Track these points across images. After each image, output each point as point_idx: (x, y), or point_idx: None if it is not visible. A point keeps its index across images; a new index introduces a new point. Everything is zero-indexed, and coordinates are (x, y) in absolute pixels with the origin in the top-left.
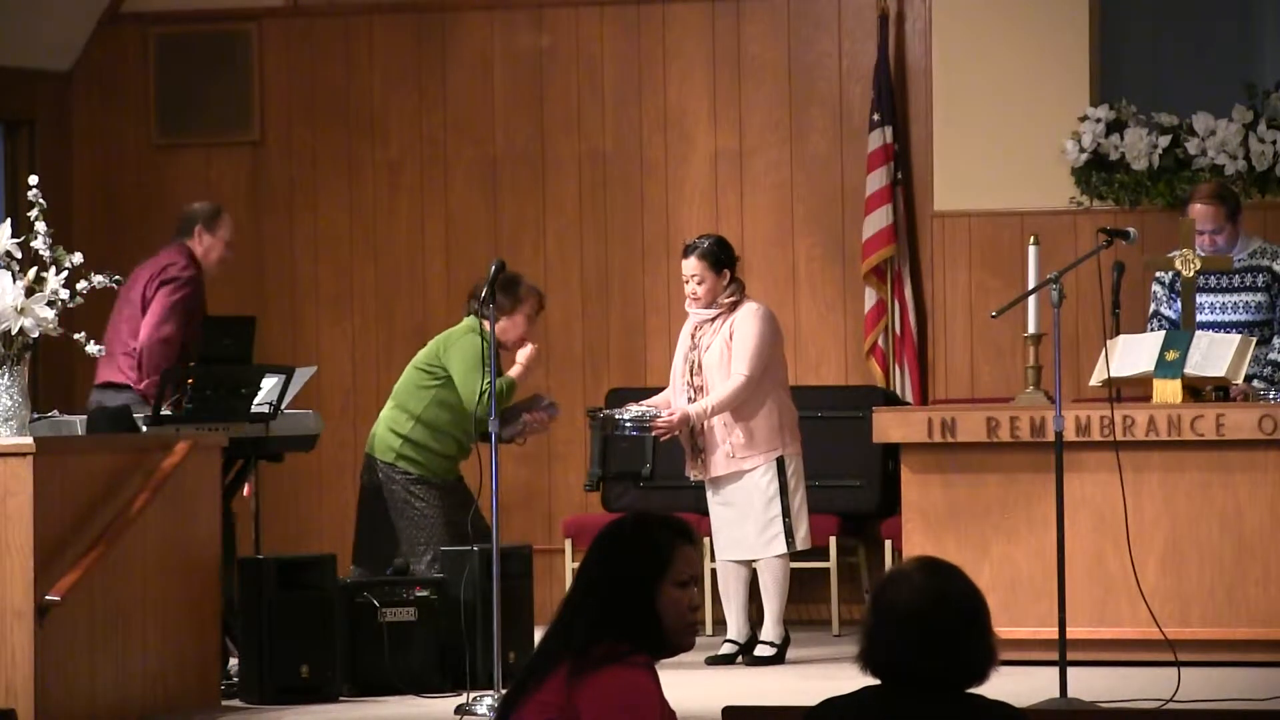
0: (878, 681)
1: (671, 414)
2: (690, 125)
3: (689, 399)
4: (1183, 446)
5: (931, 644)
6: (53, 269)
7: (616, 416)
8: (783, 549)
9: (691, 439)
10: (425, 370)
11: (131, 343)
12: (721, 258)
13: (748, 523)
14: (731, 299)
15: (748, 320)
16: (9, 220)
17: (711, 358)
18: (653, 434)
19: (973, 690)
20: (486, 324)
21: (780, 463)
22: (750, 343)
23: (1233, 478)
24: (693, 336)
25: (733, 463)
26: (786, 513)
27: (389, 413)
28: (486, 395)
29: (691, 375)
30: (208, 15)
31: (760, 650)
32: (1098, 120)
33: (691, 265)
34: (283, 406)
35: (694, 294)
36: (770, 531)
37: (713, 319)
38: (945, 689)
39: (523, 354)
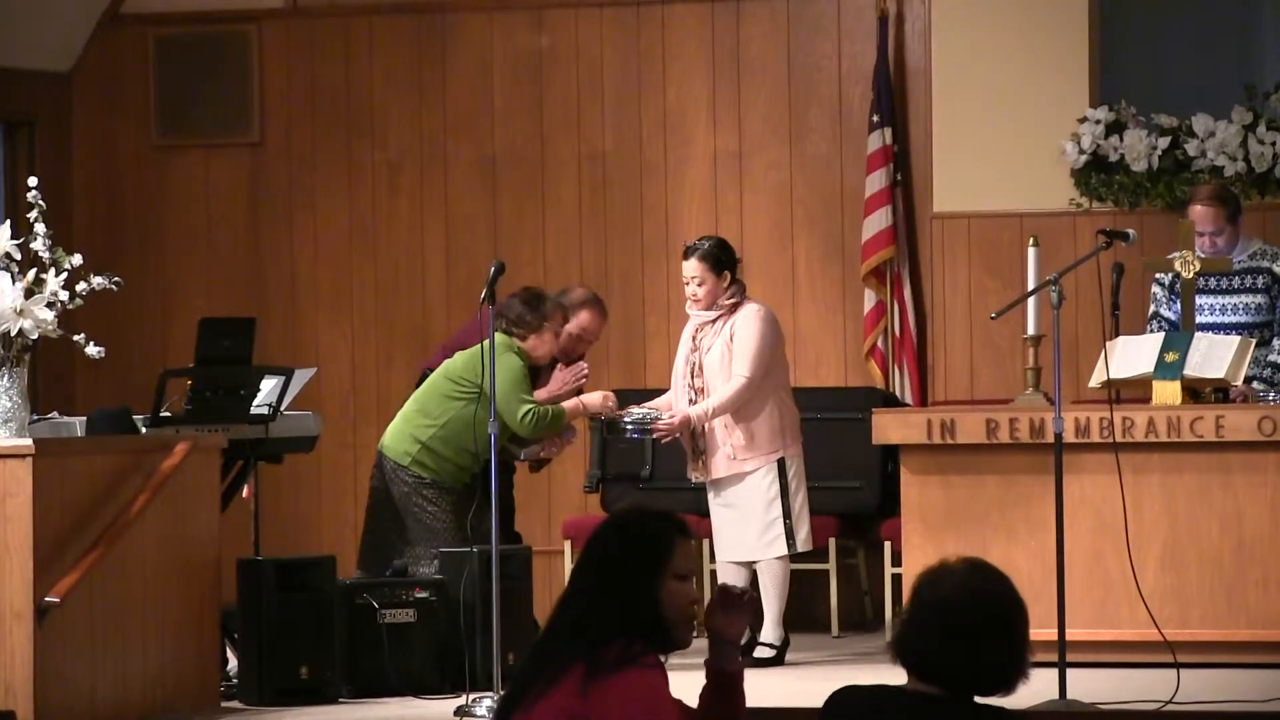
0: (903, 681)
1: (672, 417)
2: (690, 126)
3: (690, 401)
4: (1182, 448)
5: (956, 639)
6: (52, 270)
7: (618, 420)
8: (783, 550)
9: (693, 441)
10: (456, 382)
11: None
12: (722, 259)
13: (749, 524)
14: (732, 300)
15: (748, 322)
16: (9, 221)
17: (712, 359)
18: (654, 437)
19: (993, 700)
20: (519, 341)
21: (781, 464)
22: (751, 344)
23: (1232, 479)
24: (694, 338)
25: (734, 464)
26: (787, 514)
27: (410, 415)
28: (530, 417)
29: (692, 377)
30: (207, 16)
31: (759, 652)
32: (1097, 121)
33: (692, 267)
34: (282, 408)
35: (694, 295)
36: (771, 533)
37: (713, 320)
38: (963, 689)
39: (593, 398)
